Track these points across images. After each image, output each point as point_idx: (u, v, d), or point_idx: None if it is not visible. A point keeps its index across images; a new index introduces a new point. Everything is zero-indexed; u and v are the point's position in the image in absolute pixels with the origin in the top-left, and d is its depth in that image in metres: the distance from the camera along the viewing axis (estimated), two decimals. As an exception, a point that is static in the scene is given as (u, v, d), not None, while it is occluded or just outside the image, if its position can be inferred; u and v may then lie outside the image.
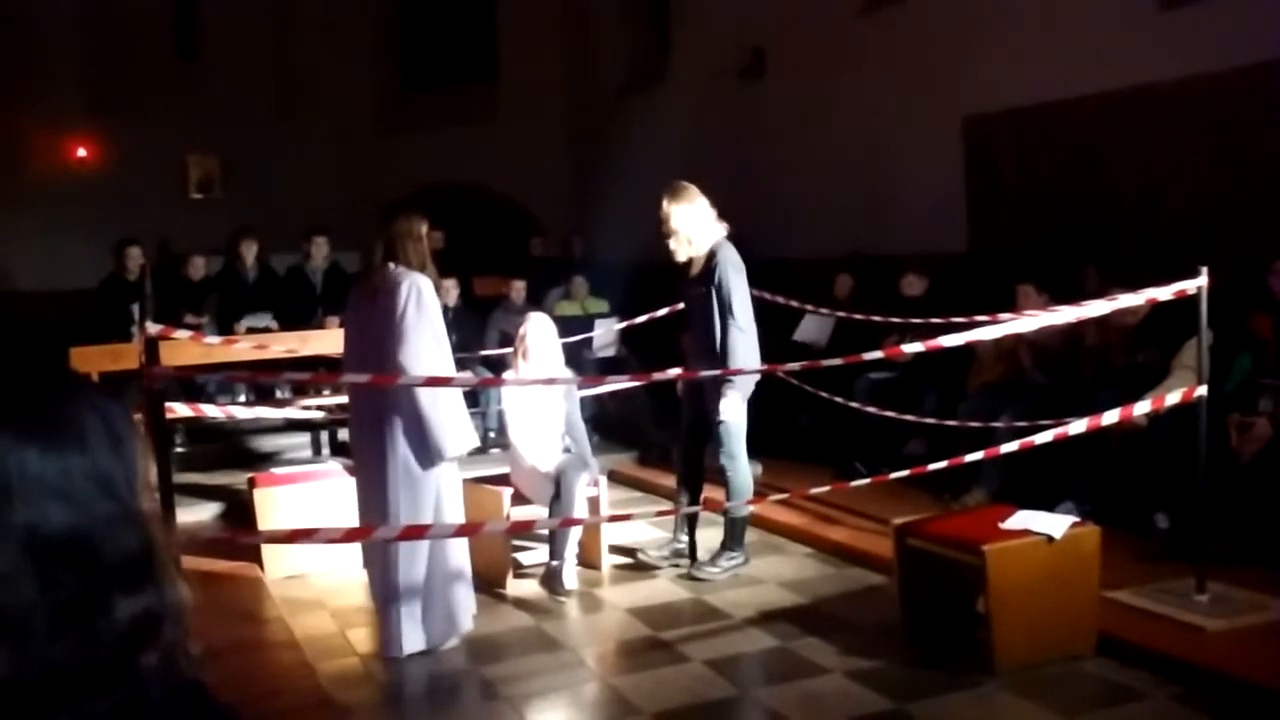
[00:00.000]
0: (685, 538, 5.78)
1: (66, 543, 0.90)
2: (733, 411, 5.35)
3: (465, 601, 4.79)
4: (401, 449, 4.53)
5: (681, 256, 5.50)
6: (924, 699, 4.05)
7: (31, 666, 0.86)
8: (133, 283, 8.43)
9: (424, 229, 4.73)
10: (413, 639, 4.63)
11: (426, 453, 4.52)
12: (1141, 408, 4.63)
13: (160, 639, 0.95)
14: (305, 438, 8.56)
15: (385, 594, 4.63)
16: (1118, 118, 7.21)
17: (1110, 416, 4.56)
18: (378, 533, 4.17)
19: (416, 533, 4.25)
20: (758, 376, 5.41)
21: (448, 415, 4.53)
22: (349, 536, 4.22)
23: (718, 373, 5.19)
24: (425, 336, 4.50)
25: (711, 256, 5.40)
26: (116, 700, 0.89)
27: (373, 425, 4.60)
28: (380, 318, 4.53)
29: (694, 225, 5.41)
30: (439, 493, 4.61)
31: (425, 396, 4.46)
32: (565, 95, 13.65)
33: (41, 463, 0.89)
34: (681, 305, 5.94)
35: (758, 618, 4.99)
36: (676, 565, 5.72)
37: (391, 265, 4.62)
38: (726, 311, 5.32)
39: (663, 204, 5.45)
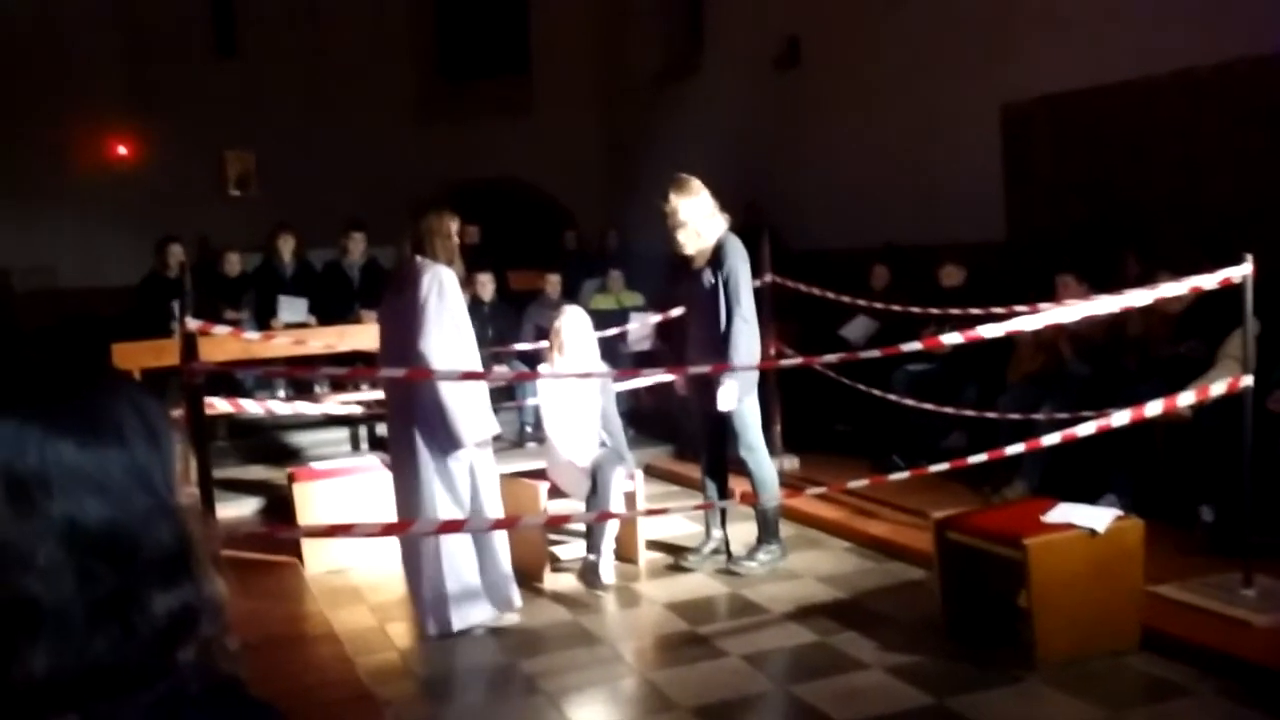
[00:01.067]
0: (718, 533, 5.75)
1: (104, 537, 0.90)
2: (729, 401, 5.33)
3: (504, 584, 4.89)
4: (429, 439, 4.64)
5: (691, 249, 5.47)
6: (964, 694, 4.01)
7: (70, 661, 0.86)
8: (173, 279, 8.51)
9: (453, 225, 4.81)
10: (462, 615, 4.74)
11: (450, 441, 4.62)
12: (1185, 399, 4.55)
13: (197, 634, 0.95)
14: (344, 432, 8.63)
15: (425, 579, 4.73)
16: (1157, 104, 7.10)
17: (1154, 408, 4.50)
18: (415, 527, 4.20)
19: (454, 528, 4.27)
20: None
21: (465, 403, 4.62)
22: (387, 531, 4.25)
23: (750, 366, 5.18)
24: (446, 327, 4.59)
25: (720, 248, 5.39)
26: (155, 695, 0.89)
27: (403, 417, 4.73)
28: (406, 310, 4.64)
29: (702, 217, 5.41)
30: (474, 480, 4.70)
31: (444, 385, 4.55)
32: (599, 87, 13.64)
33: (80, 456, 0.90)
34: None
35: (796, 612, 4.97)
36: (716, 563, 5.68)
37: (419, 259, 4.72)
38: (735, 302, 5.32)
39: (669, 198, 5.43)
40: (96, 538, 0.89)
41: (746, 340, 5.36)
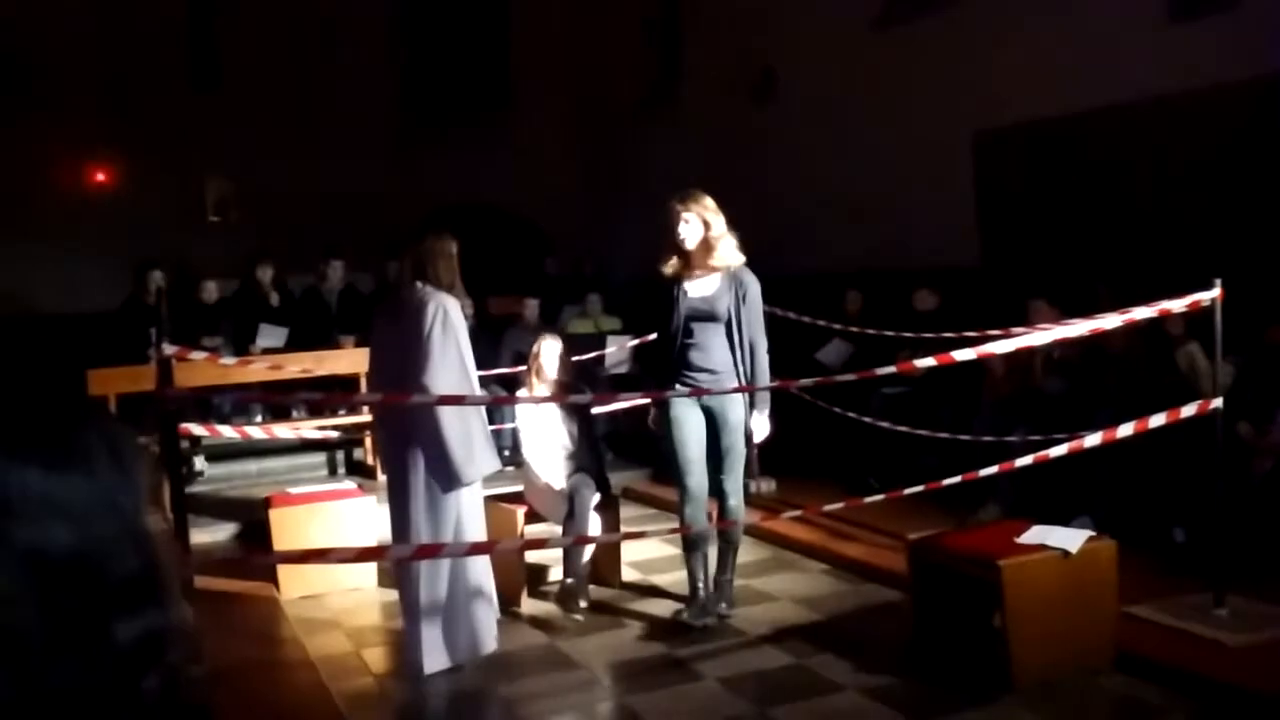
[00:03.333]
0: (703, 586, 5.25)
1: (68, 564, 0.89)
2: (765, 431, 5.17)
3: (487, 622, 4.78)
4: (422, 469, 4.52)
5: (699, 262, 5.08)
6: (938, 716, 4.03)
7: (31, 689, 0.85)
8: (152, 305, 8.48)
9: (454, 248, 4.70)
10: (435, 659, 4.63)
11: (447, 475, 4.50)
12: (1156, 420, 4.59)
13: (163, 661, 0.95)
14: (321, 457, 8.60)
15: (408, 613, 4.64)
16: (1130, 131, 7.21)
17: (1125, 429, 4.54)
18: (391, 552, 4.18)
19: (430, 552, 4.26)
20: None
21: (468, 439, 4.49)
22: (362, 556, 4.25)
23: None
24: (451, 358, 4.47)
25: (742, 274, 5.11)
26: None
27: (399, 444, 4.60)
28: (405, 337, 4.52)
29: (723, 232, 5.12)
30: (460, 514, 4.60)
31: (447, 419, 4.42)
32: (578, 116, 13.72)
33: (45, 482, 0.89)
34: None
35: (772, 634, 4.98)
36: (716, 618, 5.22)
37: (419, 284, 4.60)
38: (759, 332, 5.12)
39: (690, 208, 5.06)
40: (60, 565, 0.88)
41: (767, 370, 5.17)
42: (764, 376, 5.07)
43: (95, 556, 0.91)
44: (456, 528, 4.58)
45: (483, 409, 4.76)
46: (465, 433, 4.48)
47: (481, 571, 4.74)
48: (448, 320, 4.48)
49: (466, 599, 4.66)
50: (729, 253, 5.08)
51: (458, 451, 4.44)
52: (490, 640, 4.80)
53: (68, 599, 0.88)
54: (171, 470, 3.42)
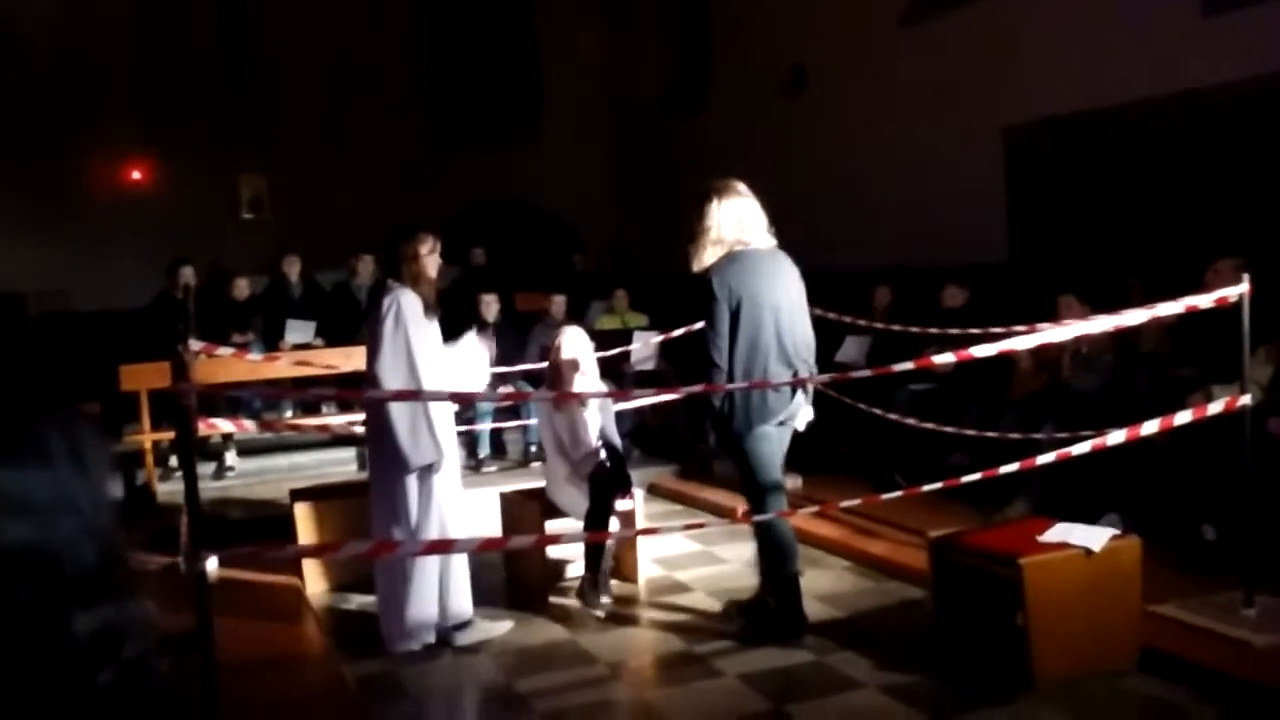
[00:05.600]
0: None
1: (23, 558, 0.89)
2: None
3: (457, 599, 4.94)
4: (377, 460, 4.84)
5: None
6: (959, 715, 4.00)
7: None
8: (183, 300, 8.58)
9: (424, 248, 4.86)
10: (400, 639, 4.85)
11: (396, 463, 4.71)
12: (1182, 418, 4.52)
13: (121, 655, 0.94)
14: (351, 452, 8.65)
15: (381, 598, 4.94)
16: (1161, 125, 7.11)
17: (1150, 427, 4.47)
18: (403, 548, 4.21)
19: (442, 548, 4.28)
20: None
21: (412, 425, 4.68)
22: (375, 551, 4.26)
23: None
24: (399, 351, 4.69)
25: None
26: (72, 717, 0.89)
27: (368, 439, 4.98)
28: (370, 330, 4.85)
29: None
30: (421, 504, 4.76)
31: (393, 408, 4.64)
32: (608, 112, 13.73)
33: (1, 478, 0.90)
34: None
35: (793, 631, 4.95)
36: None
37: (389, 282, 4.90)
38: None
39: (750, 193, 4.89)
40: (15, 559, 0.89)
41: None
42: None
43: (51, 551, 0.90)
44: (421, 514, 4.75)
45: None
46: (411, 419, 4.66)
47: (434, 561, 4.85)
48: (400, 314, 4.70)
49: (421, 583, 4.81)
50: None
51: (403, 436, 4.64)
52: (462, 614, 4.94)
53: (22, 593, 0.88)
54: (186, 465, 3.44)
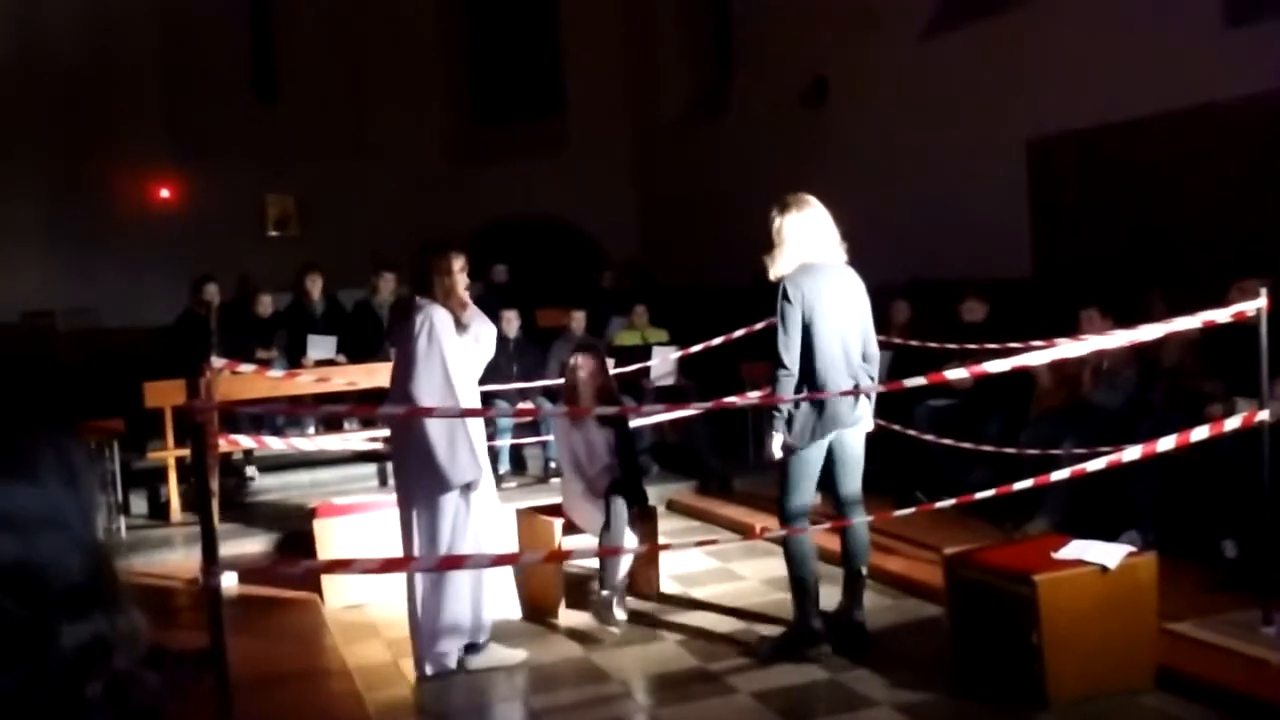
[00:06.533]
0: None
1: (12, 572, 0.91)
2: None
3: (472, 625, 4.87)
4: (414, 479, 4.71)
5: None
6: (973, 733, 3.96)
7: None
8: (205, 317, 8.68)
9: (455, 264, 4.83)
10: (434, 660, 4.78)
11: (436, 483, 4.64)
12: (1199, 434, 4.48)
13: (109, 667, 0.96)
14: (373, 469, 8.70)
15: (416, 617, 4.80)
16: (1184, 138, 7.06)
17: (1166, 443, 4.43)
18: (415, 564, 4.23)
19: (455, 563, 4.29)
20: None
21: (451, 446, 4.62)
22: (385, 567, 4.28)
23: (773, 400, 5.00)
24: (434, 367, 4.63)
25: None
26: None
27: (398, 456, 4.87)
28: (401, 349, 4.75)
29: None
30: (456, 523, 4.70)
31: (431, 426, 4.57)
32: (631, 126, 13.77)
33: None
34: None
35: (809, 649, 4.93)
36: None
37: (417, 298, 4.80)
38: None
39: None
40: (6, 574, 0.91)
41: None
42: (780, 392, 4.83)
43: (40, 565, 0.92)
44: (452, 535, 4.69)
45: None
46: (449, 438, 4.60)
47: (464, 578, 4.78)
48: (433, 331, 4.64)
49: (451, 602, 4.75)
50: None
51: (442, 456, 4.56)
52: (481, 635, 4.88)
53: (11, 606, 0.90)
54: (199, 481, 3.48)
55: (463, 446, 4.62)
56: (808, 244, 4.83)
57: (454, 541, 4.67)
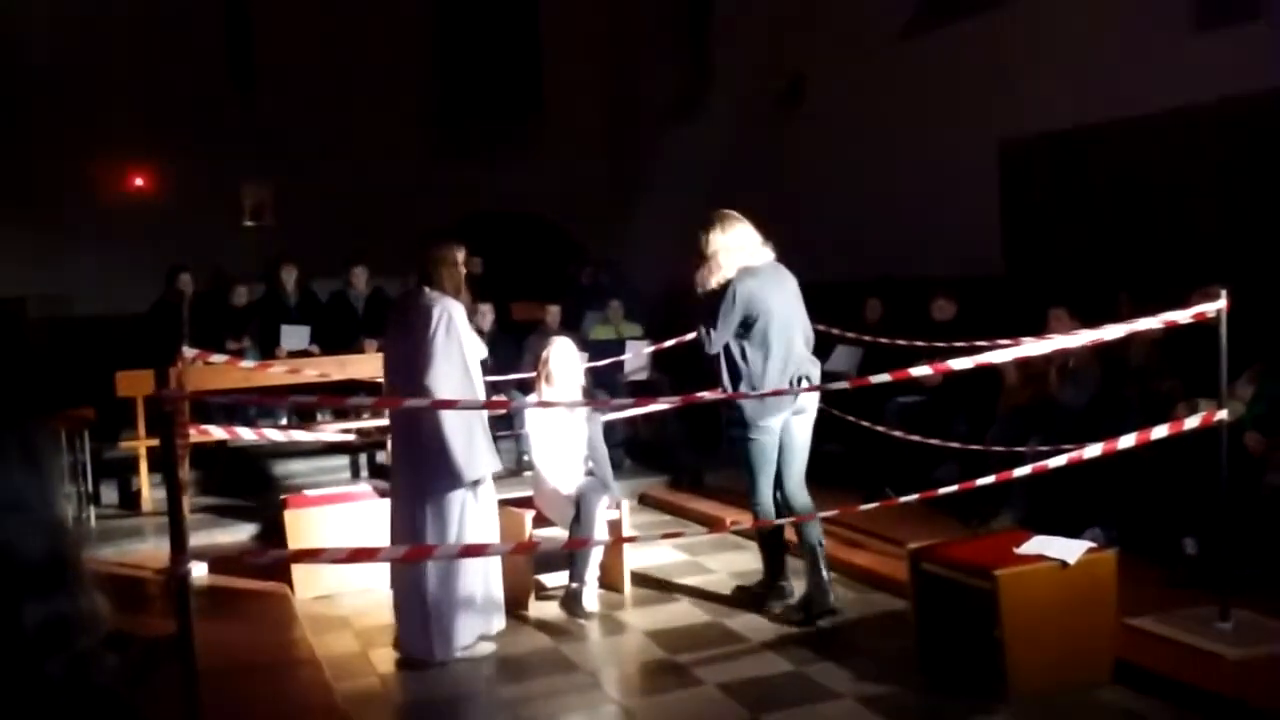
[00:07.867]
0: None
1: None
2: None
3: (490, 611, 4.94)
4: (425, 470, 4.68)
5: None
6: (933, 726, 4.02)
7: None
8: (178, 306, 8.66)
9: (460, 255, 4.85)
10: (442, 646, 4.80)
11: (449, 475, 4.64)
12: (1159, 432, 4.55)
13: (70, 646, 0.98)
14: (344, 460, 8.70)
15: (415, 603, 4.79)
16: (1154, 141, 7.14)
17: (1126, 441, 4.50)
18: (383, 554, 4.25)
19: (423, 553, 4.32)
20: None
21: (469, 439, 4.63)
22: (354, 557, 4.31)
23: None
24: (454, 362, 4.62)
25: None
26: (19, 706, 0.92)
27: (404, 447, 4.79)
28: (411, 340, 4.68)
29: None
30: (464, 513, 4.73)
31: (449, 420, 4.56)
32: (607, 122, 13.79)
33: None
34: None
35: (774, 641, 4.99)
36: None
37: (426, 290, 4.77)
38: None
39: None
40: None
41: None
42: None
43: (1, 545, 0.95)
44: (460, 527, 4.71)
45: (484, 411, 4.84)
46: (468, 432, 4.60)
47: (480, 566, 4.85)
48: (451, 324, 4.63)
49: (469, 590, 4.81)
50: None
51: (460, 451, 4.58)
52: (493, 624, 4.96)
53: None
54: (168, 472, 3.49)
55: (479, 441, 4.65)
56: (742, 252, 5.22)
57: (462, 533, 4.70)
